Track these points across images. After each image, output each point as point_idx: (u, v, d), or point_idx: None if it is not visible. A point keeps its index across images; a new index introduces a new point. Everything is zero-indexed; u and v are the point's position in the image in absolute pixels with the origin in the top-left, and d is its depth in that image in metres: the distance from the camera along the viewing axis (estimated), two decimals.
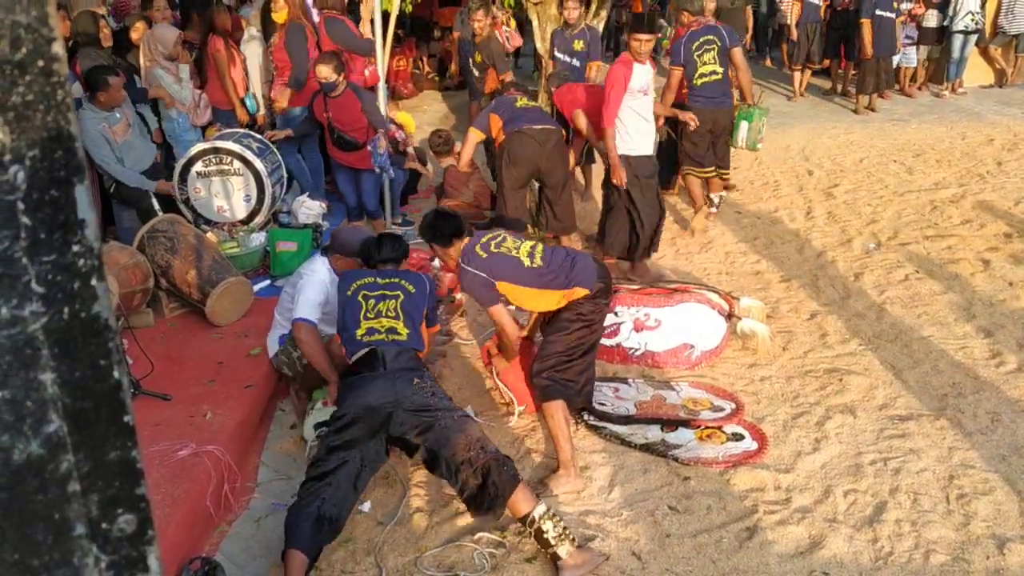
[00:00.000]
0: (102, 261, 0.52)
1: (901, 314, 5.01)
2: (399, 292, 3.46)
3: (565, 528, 2.95)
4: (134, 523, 0.56)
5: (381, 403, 3.17)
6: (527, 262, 3.60)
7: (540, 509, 2.95)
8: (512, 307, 3.82)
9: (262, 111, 6.74)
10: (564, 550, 2.90)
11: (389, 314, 3.39)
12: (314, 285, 3.86)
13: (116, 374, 0.53)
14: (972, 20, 10.48)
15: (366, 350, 3.32)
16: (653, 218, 5.51)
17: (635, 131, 5.41)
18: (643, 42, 5.23)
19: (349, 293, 3.45)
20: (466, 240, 3.66)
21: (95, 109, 5.24)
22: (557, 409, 3.56)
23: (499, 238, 3.70)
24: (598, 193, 7.15)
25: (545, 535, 2.91)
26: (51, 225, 0.52)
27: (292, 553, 2.86)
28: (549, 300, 3.65)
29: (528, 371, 3.78)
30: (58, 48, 0.52)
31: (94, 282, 0.51)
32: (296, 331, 3.83)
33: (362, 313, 3.39)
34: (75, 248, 0.52)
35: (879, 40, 9.82)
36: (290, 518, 2.95)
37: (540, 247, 3.72)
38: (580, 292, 3.61)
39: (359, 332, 3.35)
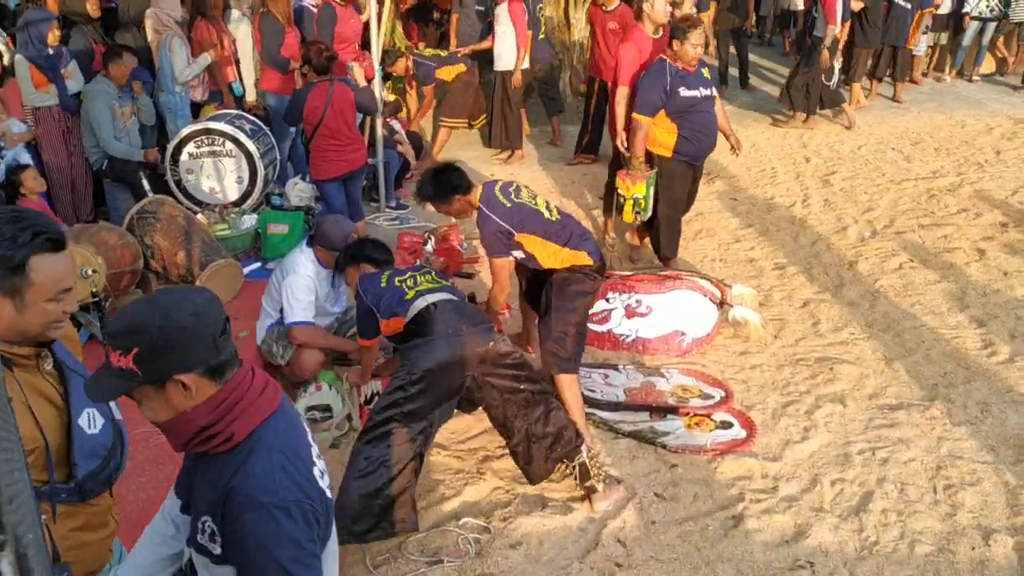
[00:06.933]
0: None
1: (894, 303, 4.98)
2: (427, 272, 3.37)
3: (600, 467, 3.34)
4: None
5: (455, 361, 2.99)
6: (547, 214, 3.58)
7: (584, 452, 3.27)
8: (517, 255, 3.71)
9: (250, 95, 6.64)
10: (600, 485, 3.28)
11: (434, 282, 3.28)
12: (300, 286, 3.82)
13: None
14: (987, 7, 10.34)
15: (423, 306, 3.12)
16: None
17: None
18: None
19: (384, 284, 3.28)
20: (478, 189, 3.59)
21: (110, 83, 5.42)
22: (574, 381, 3.61)
23: (515, 186, 3.67)
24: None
25: (589, 471, 3.26)
26: None
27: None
28: (558, 257, 3.59)
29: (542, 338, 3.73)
30: None
31: None
32: (293, 338, 3.84)
33: (405, 288, 3.23)
34: None
35: (889, 27, 9.57)
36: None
37: (550, 202, 3.70)
38: (584, 258, 3.61)
39: (408, 296, 3.18)
